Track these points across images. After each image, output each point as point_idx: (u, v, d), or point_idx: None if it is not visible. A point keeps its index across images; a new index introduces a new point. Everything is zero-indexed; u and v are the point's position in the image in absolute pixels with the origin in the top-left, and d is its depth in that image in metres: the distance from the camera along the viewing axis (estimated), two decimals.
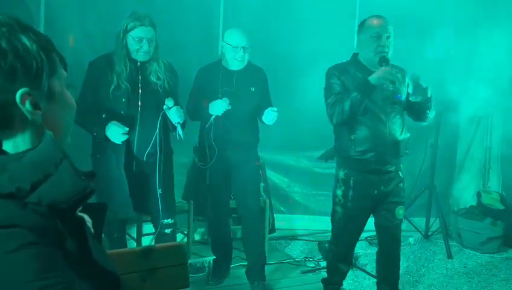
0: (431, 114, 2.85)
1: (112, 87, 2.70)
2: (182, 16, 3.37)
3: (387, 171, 2.81)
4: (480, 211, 4.40)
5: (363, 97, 2.63)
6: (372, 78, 2.61)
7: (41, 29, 3.42)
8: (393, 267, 2.97)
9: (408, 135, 2.85)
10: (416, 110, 2.83)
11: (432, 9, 3.90)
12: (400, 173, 2.88)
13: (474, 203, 4.54)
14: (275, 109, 3.03)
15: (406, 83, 2.80)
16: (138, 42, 2.70)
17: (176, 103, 2.77)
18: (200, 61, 3.62)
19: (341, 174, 2.84)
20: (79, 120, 2.60)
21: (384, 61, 2.63)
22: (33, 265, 0.72)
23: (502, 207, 4.39)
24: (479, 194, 4.51)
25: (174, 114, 2.73)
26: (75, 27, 3.65)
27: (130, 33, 2.71)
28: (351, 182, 2.79)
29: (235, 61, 3.05)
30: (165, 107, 2.74)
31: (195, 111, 3.08)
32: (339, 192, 2.84)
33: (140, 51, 2.73)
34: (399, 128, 2.79)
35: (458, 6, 4.13)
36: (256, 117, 3.18)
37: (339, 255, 2.96)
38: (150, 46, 2.73)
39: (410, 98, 2.75)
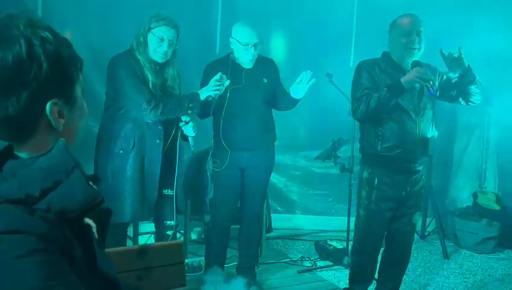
0: (476, 91, 2.67)
1: (151, 87, 2.71)
2: (179, 13, 3.37)
3: (415, 170, 2.72)
4: (476, 211, 4.42)
5: (392, 97, 2.56)
6: (405, 81, 2.54)
7: None
8: (399, 271, 2.92)
9: (437, 133, 2.77)
10: (461, 91, 2.70)
11: (428, 11, 3.91)
12: (423, 177, 2.81)
13: (470, 204, 4.56)
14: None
15: (438, 77, 2.73)
16: (159, 41, 2.69)
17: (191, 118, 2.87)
18: (198, 58, 3.62)
19: (365, 174, 2.73)
20: (166, 109, 2.70)
21: (416, 64, 2.60)
22: (39, 272, 0.72)
23: (497, 208, 4.41)
24: (475, 195, 4.53)
25: (191, 129, 2.87)
26: (73, 25, 3.64)
27: (152, 31, 2.70)
28: (376, 182, 2.68)
29: (246, 59, 2.96)
30: (181, 124, 2.84)
31: (206, 108, 2.95)
32: (363, 193, 2.73)
33: (158, 50, 2.71)
34: (429, 126, 2.70)
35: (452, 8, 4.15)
36: (271, 111, 3.11)
37: (361, 265, 2.84)
38: (169, 47, 2.72)
39: (450, 75, 2.67)
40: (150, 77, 2.71)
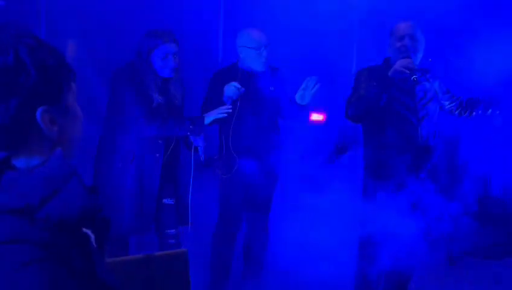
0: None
1: (154, 105, 2.72)
2: (181, 23, 3.40)
3: (419, 177, 2.73)
4: (483, 217, 4.39)
5: (380, 89, 2.58)
6: (391, 72, 2.59)
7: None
8: (405, 279, 2.91)
9: (439, 140, 2.80)
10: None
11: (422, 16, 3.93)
12: (427, 183, 2.80)
13: (476, 209, 4.53)
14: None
15: (436, 84, 2.79)
16: (163, 59, 2.69)
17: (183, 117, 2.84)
18: (201, 68, 3.63)
19: (368, 180, 2.76)
20: (164, 126, 2.67)
21: (405, 56, 2.63)
22: (39, 281, 0.72)
23: (503, 213, 4.38)
24: (481, 200, 4.50)
25: (201, 139, 2.84)
26: (76, 36, 3.67)
27: (154, 51, 2.69)
28: (379, 188, 2.69)
29: (260, 63, 2.97)
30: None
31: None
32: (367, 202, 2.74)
33: (166, 67, 2.72)
34: (432, 133, 2.72)
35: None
36: (277, 119, 3.13)
37: (365, 273, 2.83)
38: (175, 61, 2.73)
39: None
40: (154, 95, 2.72)
